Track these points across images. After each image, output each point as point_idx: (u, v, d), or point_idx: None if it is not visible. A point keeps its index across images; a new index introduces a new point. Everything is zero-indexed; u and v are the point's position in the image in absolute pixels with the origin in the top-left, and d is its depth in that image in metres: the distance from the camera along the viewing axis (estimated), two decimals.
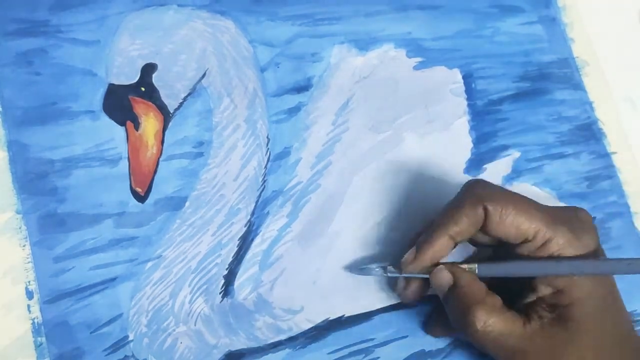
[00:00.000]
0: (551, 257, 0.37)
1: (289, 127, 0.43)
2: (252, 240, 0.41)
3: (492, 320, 0.36)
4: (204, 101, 0.42)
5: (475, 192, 0.37)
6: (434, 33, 0.47)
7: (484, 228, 0.37)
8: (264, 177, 0.42)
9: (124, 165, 0.40)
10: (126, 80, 0.41)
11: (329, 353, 0.40)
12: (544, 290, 0.37)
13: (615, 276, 0.38)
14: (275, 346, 0.40)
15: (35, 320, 0.37)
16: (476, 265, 0.38)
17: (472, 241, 0.39)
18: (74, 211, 0.39)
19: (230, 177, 0.42)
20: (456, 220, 0.37)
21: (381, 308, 0.42)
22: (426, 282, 0.39)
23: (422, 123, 0.45)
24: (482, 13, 0.49)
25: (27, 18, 0.41)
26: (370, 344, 0.41)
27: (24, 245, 0.38)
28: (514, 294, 0.38)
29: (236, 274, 0.41)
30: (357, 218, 0.43)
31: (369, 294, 0.42)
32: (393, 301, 0.42)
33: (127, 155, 0.40)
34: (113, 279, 0.39)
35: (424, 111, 0.46)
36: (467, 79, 0.47)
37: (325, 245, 0.42)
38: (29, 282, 0.38)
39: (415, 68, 0.46)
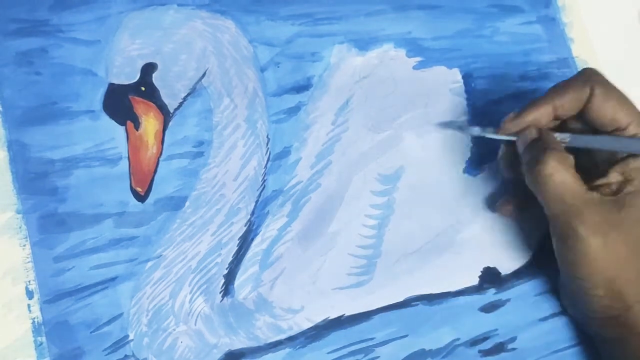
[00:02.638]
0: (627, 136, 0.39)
1: (289, 127, 0.43)
2: (252, 239, 0.41)
3: (561, 169, 0.37)
4: (204, 101, 0.42)
5: (587, 73, 0.40)
6: (434, 33, 0.47)
7: (584, 110, 0.39)
8: (264, 176, 0.42)
9: (124, 165, 0.40)
10: (126, 80, 0.41)
11: (328, 352, 0.40)
12: (615, 177, 0.39)
13: None
14: (275, 345, 0.40)
15: (36, 320, 0.37)
16: (569, 135, 0.40)
17: (565, 129, 0.41)
18: (74, 211, 0.39)
19: (230, 177, 0.42)
20: (563, 93, 0.39)
21: (381, 307, 0.42)
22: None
23: (421, 123, 0.45)
24: (482, 13, 0.49)
25: (27, 18, 0.41)
26: (370, 343, 0.41)
27: (24, 245, 0.38)
28: (586, 178, 0.39)
29: (236, 273, 0.41)
30: (357, 218, 0.43)
31: (369, 294, 0.42)
32: (393, 301, 0.42)
33: (127, 155, 0.40)
34: (113, 279, 0.39)
35: (423, 111, 0.46)
36: (467, 78, 0.47)
37: (325, 245, 0.42)
38: (29, 281, 0.38)
39: (415, 68, 0.46)
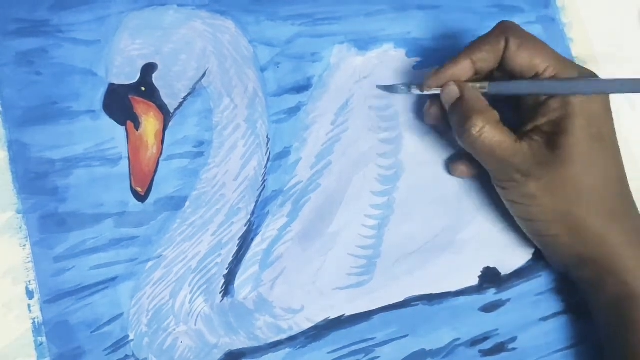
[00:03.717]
0: (554, 78, 0.40)
1: (289, 127, 0.43)
2: (252, 239, 0.41)
3: (487, 128, 0.39)
4: (204, 101, 0.42)
5: (502, 26, 0.41)
6: (434, 33, 0.47)
7: (503, 61, 0.41)
8: (264, 176, 0.42)
9: (124, 165, 0.40)
10: (126, 80, 0.41)
11: (329, 352, 0.40)
12: (540, 120, 0.40)
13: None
14: (276, 345, 0.40)
15: (36, 320, 0.37)
16: (487, 84, 0.41)
17: (488, 79, 0.42)
18: (74, 211, 0.39)
19: (231, 177, 0.42)
20: (480, 46, 0.41)
21: (381, 307, 0.42)
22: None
23: (421, 123, 0.45)
24: (482, 13, 0.49)
25: (27, 18, 0.41)
26: (370, 343, 0.41)
27: (24, 245, 0.38)
28: (512, 127, 0.40)
29: (236, 273, 0.41)
30: (357, 218, 0.43)
31: (369, 294, 0.42)
32: (393, 301, 0.42)
33: (127, 155, 0.40)
34: (113, 279, 0.39)
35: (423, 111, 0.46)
36: None
37: (325, 245, 0.42)
38: (29, 281, 0.38)
39: (415, 68, 0.46)
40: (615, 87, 0.40)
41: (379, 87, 0.45)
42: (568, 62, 0.41)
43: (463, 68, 0.41)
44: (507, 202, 0.42)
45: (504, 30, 0.41)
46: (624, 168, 0.41)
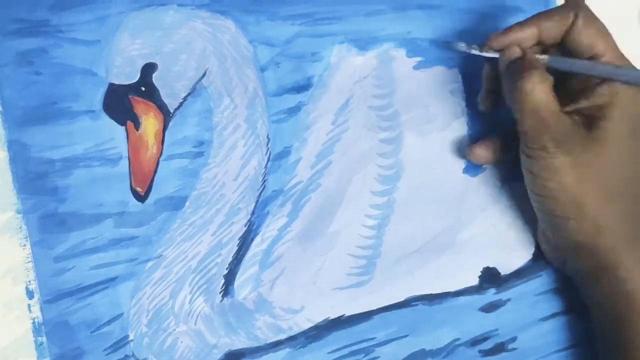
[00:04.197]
0: (614, 64, 0.40)
1: (289, 127, 0.43)
2: (252, 239, 0.41)
3: (541, 87, 0.38)
4: (204, 101, 0.42)
5: (573, 1, 0.42)
6: (434, 33, 0.47)
7: (566, 36, 0.41)
8: (264, 176, 0.42)
9: (124, 165, 0.40)
10: (126, 80, 0.41)
11: (329, 352, 0.40)
12: (584, 103, 0.40)
13: None
14: (276, 346, 0.40)
15: (36, 320, 0.37)
16: (547, 57, 0.41)
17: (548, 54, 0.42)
18: (74, 211, 0.39)
19: (231, 177, 0.42)
20: (549, 16, 0.41)
21: (381, 307, 0.42)
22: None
23: (421, 123, 0.45)
24: (482, 13, 0.49)
25: (27, 18, 0.41)
26: (370, 343, 0.41)
27: (24, 245, 0.38)
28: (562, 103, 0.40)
29: (236, 273, 0.41)
30: (357, 218, 0.43)
31: (369, 294, 0.42)
32: (393, 301, 0.42)
33: (127, 155, 0.40)
34: (113, 279, 0.39)
35: (424, 111, 0.46)
36: (467, 78, 0.47)
37: (325, 245, 0.42)
38: (29, 281, 0.38)
39: (415, 68, 0.46)
40: None
41: (438, 42, 0.46)
42: (624, 56, 0.42)
43: (528, 34, 0.41)
44: (528, 174, 0.41)
45: (575, 5, 0.41)
46: None
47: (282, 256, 0.41)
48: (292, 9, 0.45)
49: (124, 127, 0.41)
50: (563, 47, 0.42)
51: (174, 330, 0.39)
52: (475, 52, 0.42)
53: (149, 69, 0.41)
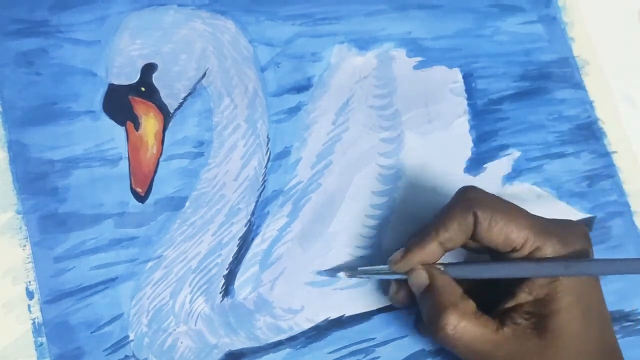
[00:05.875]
0: (530, 259, 0.36)
1: (289, 127, 0.43)
2: (253, 240, 0.41)
3: (462, 324, 0.35)
4: (204, 101, 0.42)
5: (466, 197, 0.37)
6: (434, 32, 0.47)
7: (473, 236, 0.37)
8: (264, 176, 0.42)
9: (124, 165, 0.40)
10: (126, 80, 0.41)
11: (329, 352, 0.40)
12: (524, 298, 0.37)
13: (611, 279, 0.38)
14: (276, 346, 0.40)
15: (36, 320, 0.37)
16: (459, 267, 0.38)
17: (465, 247, 0.39)
18: (74, 211, 0.39)
19: (231, 177, 0.42)
20: (447, 227, 0.37)
21: (381, 308, 0.42)
22: None
23: (422, 122, 0.45)
24: (482, 12, 0.49)
25: (27, 18, 0.41)
26: (370, 343, 0.41)
27: (24, 245, 0.38)
28: (494, 299, 0.38)
29: (236, 273, 0.41)
30: (357, 218, 0.43)
31: (369, 294, 0.42)
32: None
33: (127, 155, 0.40)
34: (113, 279, 0.39)
35: (424, 111, 0.46)
36: (467, 78, 0.47)
37: (326, 245, 0.42)
38: (29, 282, 0.38)
39: (416, 68, 0.46)
40: (598, 268, 0.37)
41: (324, 272, 0.41)
42: (549, 231, 0.37)
43: (431, 251, 0.37)
44: None
45: (469, 203, 0.36)
46: (615, 336, 0.38)
47: (282, 256, 0.41)
48: (292, 9, 0.45)
49: (123, 128, 0.41)
50: (476, 242, 0.37)
51: (174, 330, 0.39)
52: (379, 277, 0.40)
53: (149, 69, 0.41)
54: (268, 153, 0.43)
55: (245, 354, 0.39)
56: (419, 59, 0.47)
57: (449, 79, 0.47)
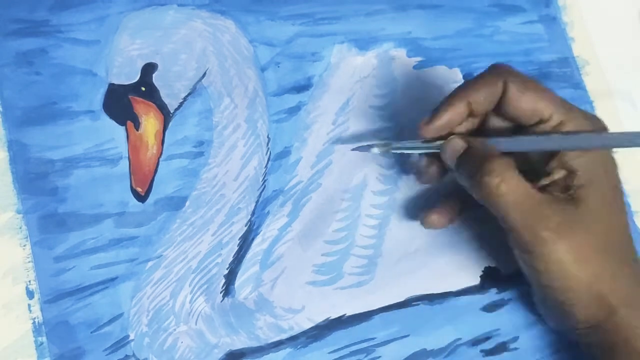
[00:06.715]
0: (561, 132, 0.37)
1: (289, 127, 0.43)
2: (253, 239, 0.41)
3: (508, 174, 0.35)
4: (204, 101, 0.42)
5: (497, 67, 0.38)
6: (434, 32, 0.47)
7: (502, 105, 0.37)
8: (265, 176, 0.42)
9: (124, 165, 0.40)
10: (126, 80, 0.41)
11: (330, 352, 0.40)
12: (558, 173, 0.37)
13: None
14: (276, 345, 0.40)
15: (36, 320, 0.37)
16: (495, 140, 0.37)
17: (487, 131, 0.39)
18: (74, 211, 0.39)
19: (231, 177, 0.42)
20: (476, 87, 0.37)
21: (382, 307, 0.42)
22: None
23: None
24: (483, 12, 0.49)
25: (27, 18, 0.41)
26: (371, 343, 0.41)
27: (24, 245, 0.38)
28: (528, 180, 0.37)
29: (237, 273, 0.41)
30: (357, 218, 0.43)
31: (370, 293, 0.42)
32: (394, 301, 0.42)
33: (127, 155, 0.40)
34: (114, 279, 0.39)
35: (424, 111, 0.45)
36: (468, 78, 0.47)
37: (326, 245, 0.42)
38: (29, 281, 0.38)
39: (416, 67, 0.46)
40: (629, 139, 0.37)
41: (353, 149, 0.42)
42: (573, 107, 0.38)
43: (458, 112, 0.37)
44: (530, 271, 0.37)
45: (500, 72, 0.37)
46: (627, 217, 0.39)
47: (282, 256, 0.41)
48: (292, 9, 0.45)
49: (124, 127, 0.41)
50: (502, 114, 0.38)
51: (175, 330, 0.39)
52: (408, 151, 0.40)
53: (149, 69, 0.41)
54: (268, 153, 0.43)
55: (245, 354, 0.39)
56: (419, 59, 0.47)
57: (449, 79, 0.47)
